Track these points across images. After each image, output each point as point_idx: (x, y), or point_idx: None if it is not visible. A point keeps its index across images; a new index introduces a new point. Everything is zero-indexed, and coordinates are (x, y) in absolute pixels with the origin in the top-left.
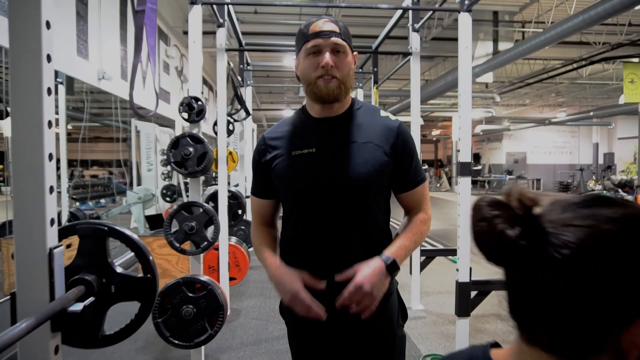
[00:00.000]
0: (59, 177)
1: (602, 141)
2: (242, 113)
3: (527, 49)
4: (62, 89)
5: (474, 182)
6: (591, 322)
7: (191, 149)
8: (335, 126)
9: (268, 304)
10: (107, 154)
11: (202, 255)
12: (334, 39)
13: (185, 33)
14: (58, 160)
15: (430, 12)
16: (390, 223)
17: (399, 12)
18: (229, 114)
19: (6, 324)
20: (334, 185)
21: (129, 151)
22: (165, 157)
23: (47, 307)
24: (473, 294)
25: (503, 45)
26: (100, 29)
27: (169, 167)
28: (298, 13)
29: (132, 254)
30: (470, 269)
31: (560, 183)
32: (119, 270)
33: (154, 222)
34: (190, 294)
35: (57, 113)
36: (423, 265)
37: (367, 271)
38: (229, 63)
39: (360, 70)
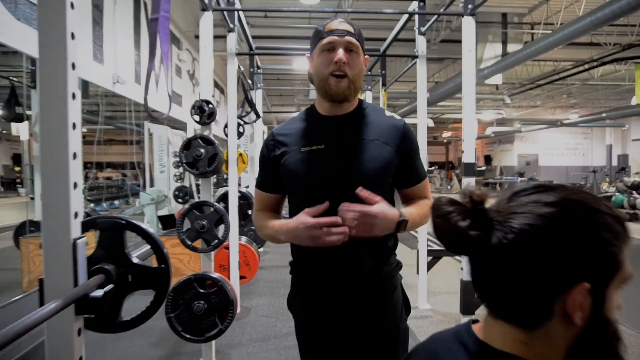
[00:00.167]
0: None
1: (616, 143)
2: (252, 115)
3: (536, 50)
4: (77, 92)
5: (485, 184)
6: (537, 292)
7: (202, 150)
8: (343, 124)
9: (277, 303)
10: (121, 156)
11: (212, 253)
12: (348, 38)
13: (197, 37)
14: None
15: (436, 16)
16: None
17: (405, 16)
18: (240, 117)
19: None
20: (342, 181)
21: (142, 153)
22: (177, 159)
23: (71, 292)
24: None
25: (512, 47)
26: (115, 34)
27: (181, 169)
28: (308, 17)
29: (147, 248)
30: None
31: (573, 185)
32: (135, 260)
33: (167, 222)
34: (202, 290)
35: None
36: (430, 265)
37: (383, 209)
38: (239, 66)
39: (369, 72)
